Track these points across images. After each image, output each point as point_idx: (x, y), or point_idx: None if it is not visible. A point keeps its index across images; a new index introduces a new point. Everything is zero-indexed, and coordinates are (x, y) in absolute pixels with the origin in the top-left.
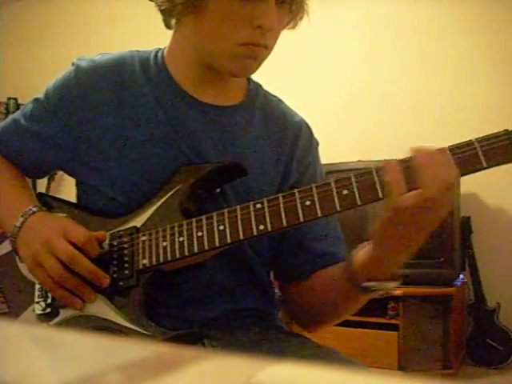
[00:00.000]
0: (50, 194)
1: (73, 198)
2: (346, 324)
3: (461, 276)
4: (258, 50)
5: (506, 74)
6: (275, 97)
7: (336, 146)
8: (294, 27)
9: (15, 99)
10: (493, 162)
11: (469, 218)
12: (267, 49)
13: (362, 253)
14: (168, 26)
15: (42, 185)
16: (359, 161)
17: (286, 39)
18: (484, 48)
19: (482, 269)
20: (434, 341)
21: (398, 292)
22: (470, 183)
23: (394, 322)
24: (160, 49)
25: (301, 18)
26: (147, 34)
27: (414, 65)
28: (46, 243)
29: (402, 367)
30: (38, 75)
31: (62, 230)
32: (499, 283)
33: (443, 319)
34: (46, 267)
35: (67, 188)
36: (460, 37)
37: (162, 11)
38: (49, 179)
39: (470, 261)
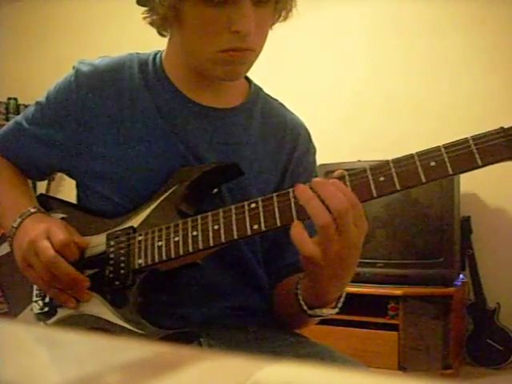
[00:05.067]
0: (50, 194)
1: (73, 198)
2: (346, 324)
3: (461, 276)
4: (241, 55)
5: (506, 74)
6: (276, 100)
7: (336, 146)
8: (284, 19)
9: (15, 99)
10: (488, 161)
11: (469, 217)
12: (253, 51)
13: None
14: (161, 34)
15: (42, 185)
16: (359, 161)
17: (287, 39)
18: (484, 48)
19: (481, 269)
20: (434, 341)
21: (398, 292)
22: (470, 183)
23: (393, 322)
24: (159, 51)
25: (290, 10)
26: (148, 34)
27: (415, 65)
28: (31, 243)
29: (402, 367)
30: (38, 75)
31: (47, 231)
32: (499, 283)
33: (443, 319)
34: (34, 268)
35: (67, 188)
36: (461, 37)
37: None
38: (49, 179)
39: (470, 261)
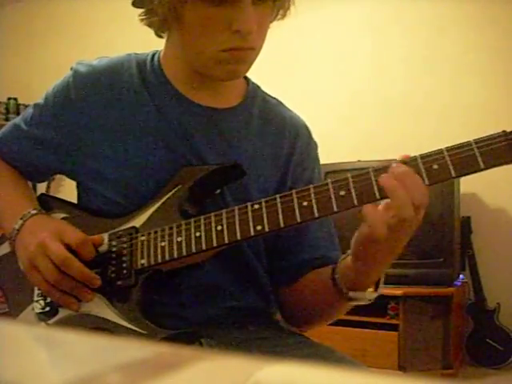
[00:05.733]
0: (50, 194)
1: (73, 198)
2: (346, 324)
3: (461, 276)
4: (243, 54)
5: (506, 74)
6: (274, 98)
7: (336, 146)
8: (282, 18)
9: (15, 99)
10: (490, 164)
11: (469, 217)
12: (254, 49)
13: (344, 262)
14: (158, 35)
15: (42, 185)
16: (359, 161)
17: (287, 39)
18: (485, 49)
19: (481, 269)
20: (434, 341)
21: (398, 292)
22: (470, 183)
23: (394, 322)
24: (157, 51)
25: (288, 8)
26: (147, 34)
27: (415, 65)
28: (40, 245)
29: (402, 367)
30: (38, 75)
31: (57, 232)
32: (499, 283)
33: (443, 319)
34: (41, 270)
35: (67, 188)
36: (462, 38)
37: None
38: (49, 180)
39: (470, 261)
